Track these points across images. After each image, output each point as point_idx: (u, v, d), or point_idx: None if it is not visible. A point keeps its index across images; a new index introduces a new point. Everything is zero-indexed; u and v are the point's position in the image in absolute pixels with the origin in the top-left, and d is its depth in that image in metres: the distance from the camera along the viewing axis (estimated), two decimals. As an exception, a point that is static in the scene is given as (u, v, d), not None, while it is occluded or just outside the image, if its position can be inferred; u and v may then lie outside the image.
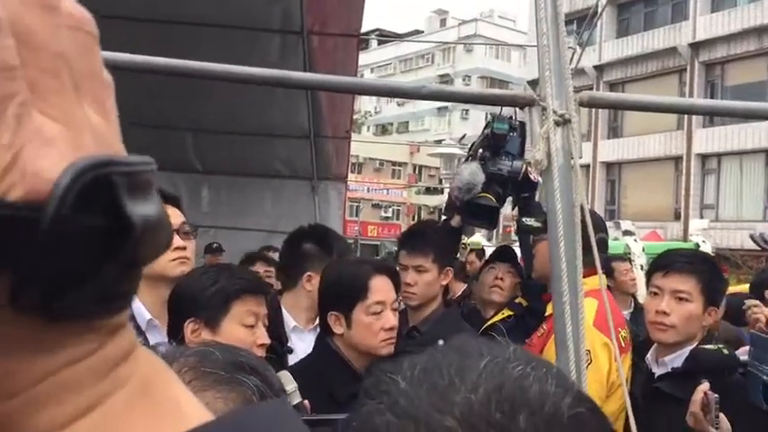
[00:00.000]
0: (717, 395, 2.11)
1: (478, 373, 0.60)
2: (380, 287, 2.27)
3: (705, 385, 2.14)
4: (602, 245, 2.66)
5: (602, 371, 2.51)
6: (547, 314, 2.72)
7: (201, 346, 0.95)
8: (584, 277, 2.64)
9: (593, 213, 2.32)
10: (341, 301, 2.27)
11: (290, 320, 2.75)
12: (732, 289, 5.29)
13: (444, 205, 3.50)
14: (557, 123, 1.32)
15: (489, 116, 3.17)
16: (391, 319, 2.26)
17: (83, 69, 0.34)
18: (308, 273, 2.80)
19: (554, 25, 1.29)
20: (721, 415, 2.11)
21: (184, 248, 2.37)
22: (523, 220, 3.14)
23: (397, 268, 2.79)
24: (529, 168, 2.93)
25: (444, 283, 2.84)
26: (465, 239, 7.05)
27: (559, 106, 1.33)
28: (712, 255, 5.56)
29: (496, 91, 1.60)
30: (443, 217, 3.43)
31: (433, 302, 2.83)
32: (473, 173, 2.95)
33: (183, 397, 0.36)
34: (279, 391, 0.88)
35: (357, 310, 2.24)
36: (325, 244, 2.88)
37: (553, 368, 0.63)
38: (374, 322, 2.23)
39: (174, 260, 2.32)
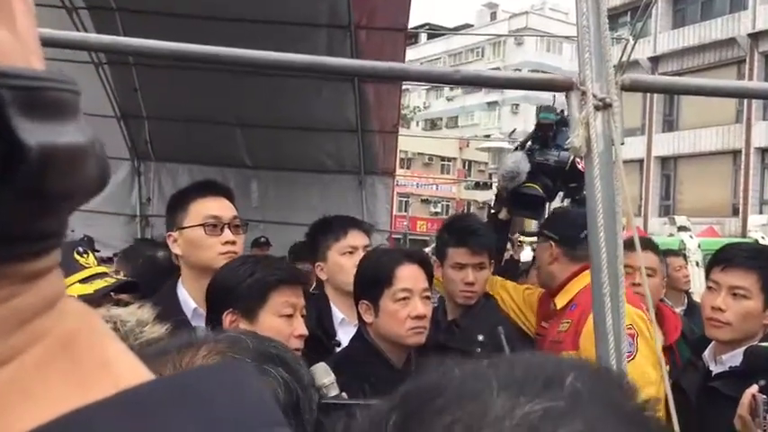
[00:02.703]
0: (765, 397, 2.04)
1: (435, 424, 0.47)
2: (408, 275, 2.26)
3: (753, 387, 2.07)
4: None
5: (650, 341, 2.44)
6: (559, 307, 2.71)
7: (234, 333, 0.95)
8: None
9: None
10: (369, 289, 2.29)
11: (338, 314, 2.76)
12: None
13: (493, 199, 3.48)
14: (597, 108, 1.27)
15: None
16: (419, 306, 2.24)
17: None
18: (318, 263, 2.82)
19: (594, 4, 1.24)
20: None
21: (234, 243, 2.39)
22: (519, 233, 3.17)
23: (442, 264, 2.77)
24: (577, 159, 2.89)
25: (489, 274, 2.81)
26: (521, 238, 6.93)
27: (600, 90, 1.29)
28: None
29: (533, 75, 1.57)
30: (492, 211, 3.41)
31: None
32: (517, 161, 2.94)
33: (117, 356, 0.32)
34: (308, 387, 0.87)
35: (384, 297, 2.24)
36: (333, 231, 2.86)
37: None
38: (400, 310, 2.23)
39: (223, 254, 2.34)
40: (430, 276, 2.37)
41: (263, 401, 0.33)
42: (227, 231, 2.39)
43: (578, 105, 1.31)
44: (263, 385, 0.34)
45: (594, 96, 1.27)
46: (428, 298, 2.32)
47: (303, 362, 0.93)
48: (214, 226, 2.37)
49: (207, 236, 2.36)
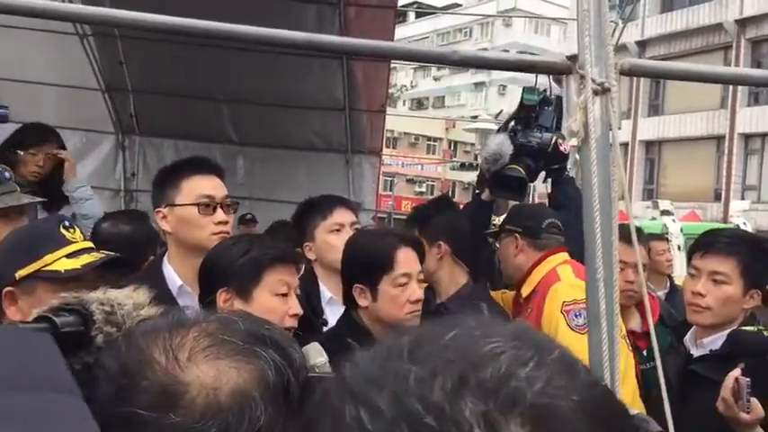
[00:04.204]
0: (748, 379, 2.07)
1: (437, 346, 0.51)
2: (406, 259, 2.27)
3: (736, 371, 2.10)
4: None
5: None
6: (525, 296, 2.81)
7: (226, 314, 0.94)
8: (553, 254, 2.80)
9: None
10: (366, 273, 2.27)
11: (326, 292, 2.75)
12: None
13: (476, 180, 3.49)
14: (595, 92, 1.27)
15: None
16: (417, 291, 2.26)
17: None
18: (306, 243, 2.82)
19: (596, -13, 1.24)
20: (753, 399, 2.06)
21: (226, 223, 2.37)
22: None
23: None
24: (558, 140, 2.97)
25: (438, 257, 2.77)
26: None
27: (599, 74, 1.28)
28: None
29: (532, 58, 1.55)
30: (476, 192, 3.41)
31: (440, 277, 2.78)
32: (500, 143, 2.96)
33: None
34: (299, 370, 0.85)
35: (383, 282, 2.24)
36: (319, 210, 2.86)
37: (551, 352, 0.52)
38: (400, 294, 2.24)
39: (215, 234, 2.32)
40: (422, 258, 2.38)
41: (41, 366, 0.30)
42: (219, 211, 2.36)
43: (577, 89, 1.31)
44: (53, 353, 0.31)
45: (593, 81, 1.27)
46: (421, 280, 2.33)
47: (296, 343, 0.91)
48: (207, 206, 2.34)
49: (200, 215, 2.33)
